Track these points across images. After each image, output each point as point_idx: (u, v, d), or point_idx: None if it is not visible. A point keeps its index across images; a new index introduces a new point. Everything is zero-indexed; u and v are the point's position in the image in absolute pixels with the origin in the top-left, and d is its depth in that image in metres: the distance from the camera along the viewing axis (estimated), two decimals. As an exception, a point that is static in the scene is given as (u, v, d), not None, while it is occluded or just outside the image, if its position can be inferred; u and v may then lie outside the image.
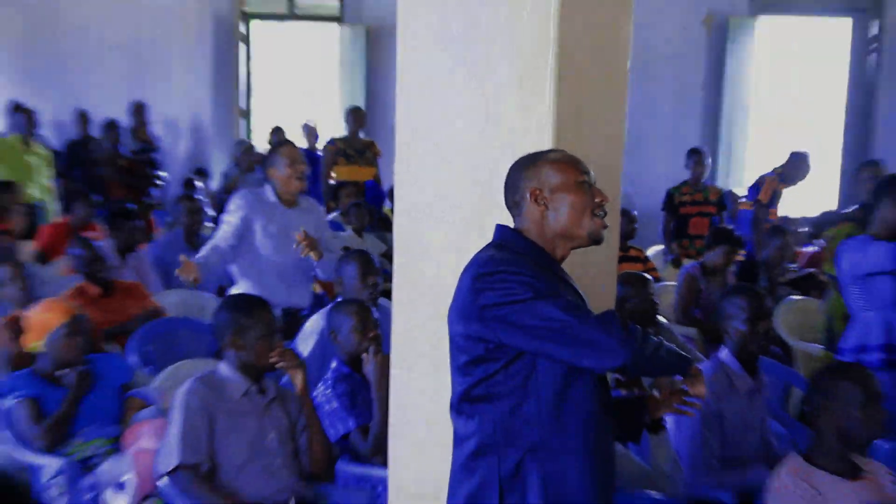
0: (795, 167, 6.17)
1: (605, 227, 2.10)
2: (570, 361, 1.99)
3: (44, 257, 5.22)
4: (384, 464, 2.74)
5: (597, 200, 2.06)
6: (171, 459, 2.77)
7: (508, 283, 1.98)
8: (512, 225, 2.10)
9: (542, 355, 2.00)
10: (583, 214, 2.07)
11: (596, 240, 2.09)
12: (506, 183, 2.15)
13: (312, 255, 3.90)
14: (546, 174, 2.09)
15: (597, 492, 2.11)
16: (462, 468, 2.13)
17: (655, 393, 2.22)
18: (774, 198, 6.28)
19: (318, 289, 4.78)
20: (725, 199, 6.75)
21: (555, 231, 2.08)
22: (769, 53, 8.24)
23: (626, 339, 1.94)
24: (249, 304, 3.04)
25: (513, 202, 2.12)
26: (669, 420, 2.84)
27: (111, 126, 8.25)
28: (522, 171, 2.11)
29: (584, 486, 2.09)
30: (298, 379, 2.96)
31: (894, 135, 7.51)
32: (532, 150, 2.16)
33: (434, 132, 2.53)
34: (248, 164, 7.54)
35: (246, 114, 9.65)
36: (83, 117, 8.63)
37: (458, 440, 2.14)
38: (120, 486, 3.25)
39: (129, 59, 9.50)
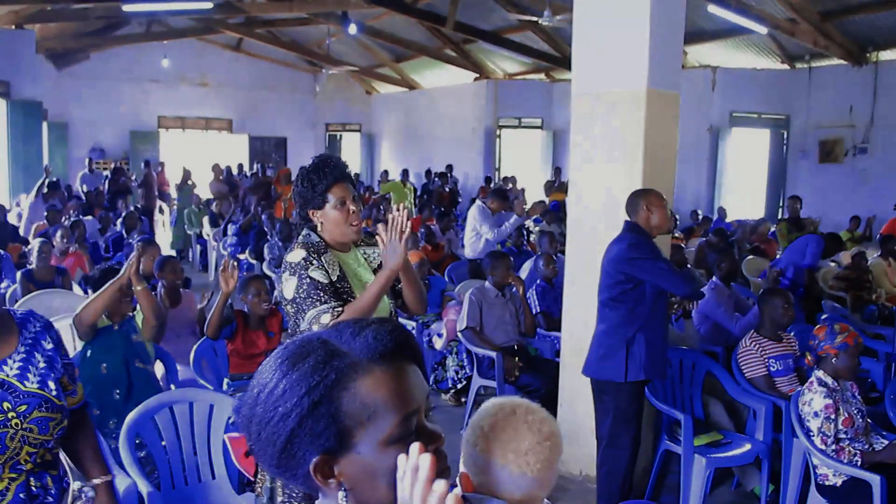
0: None
1: (673, 226, 4.17)
2: (663, 287, 3.76)
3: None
4: (559, 330, 5.29)
5: (670, 213, 4.10)
6: (463, 323, 5.48)
7: (644, 250, 3.74)
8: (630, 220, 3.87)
9: (649, 283, 3.74)
10: (664, 219, 3.88)
11: (669, 231, 4.06)
12: (628, 200, 3.87)
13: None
14: (651, 199, 3.85)
15: (665, 348, 3.94)
16: (603, 333, 3.87)
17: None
18: None
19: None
20: None
21: (652, 225, 3.84)
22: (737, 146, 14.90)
23: (689, 283, 3.84)
24: (500, 255, 5.85)
25: (632, 210, 3.84)
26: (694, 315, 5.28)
27: (439, 176, 16.89)
28: (641, 195, 3.86)
29: (663, 345, 3.89)
30: (520, 288, 5.73)
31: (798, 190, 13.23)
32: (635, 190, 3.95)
33: (585, 180, 4.61)
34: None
35: (498, 170, 18.28)
36: (427, 173, 17.74)
37: (601, 319, 3.89)
38: (439, 335, 6.18)
39: (448, 146, 18.73)
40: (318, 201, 2.68)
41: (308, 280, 2.62)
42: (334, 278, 2.66)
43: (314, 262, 2.65)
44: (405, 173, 16.55)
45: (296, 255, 2.67)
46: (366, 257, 2.83)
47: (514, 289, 5.66)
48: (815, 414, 3.64)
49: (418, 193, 16.26)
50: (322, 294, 2.61)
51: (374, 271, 2.81)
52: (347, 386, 1.07)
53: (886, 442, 3.79)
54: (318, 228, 2.74)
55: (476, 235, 7.62)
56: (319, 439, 1.06)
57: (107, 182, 14.81)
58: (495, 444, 1.59)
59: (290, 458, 1.09)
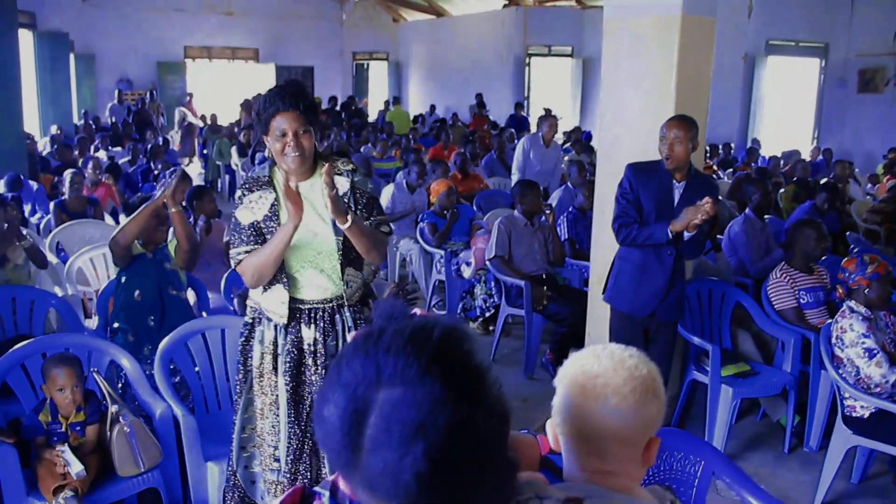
0: None
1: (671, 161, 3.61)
2: None
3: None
4: (584, 259, 5.36)
5: (665, 148, 3.59)
6: (491, 252, 5.47)
7: (624, 180, 3.75)
8: None
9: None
10: (664, 150, 3.63)
11: (676, 165, 3.63)
12: None
13: None
14: (663, 127, 3.63)
15: (639, 286, 3.78)
16: None
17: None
18: None
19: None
20: None
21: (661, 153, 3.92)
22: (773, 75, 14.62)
23: (621, 232, 3.69)
24: (530, 184, 5.78)
25: None
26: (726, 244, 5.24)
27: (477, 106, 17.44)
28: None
29: (634, 279, 3.80)
30: (550, 217, 5.70)
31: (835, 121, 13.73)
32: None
33: (616, 109, 4.46)
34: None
35: (527, 99, 18.21)
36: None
37: None
38: (467, 263, 6.20)
39: (477, 74, 18.46)
40: (264, 128, 2.62)
41: (234, 219, 2.70)
42: (260, 217, 2.65)
43: (243, 200, 2.68)
44: (395, 100, 17.76)
45: (238, 191, 2.74)
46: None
47: (544, 218, 5.63)
48: (864, 335, 3.59)
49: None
50: (238, 236, 2.67)
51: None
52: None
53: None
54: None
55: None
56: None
57: (132, 115, 14.85)
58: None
59: None
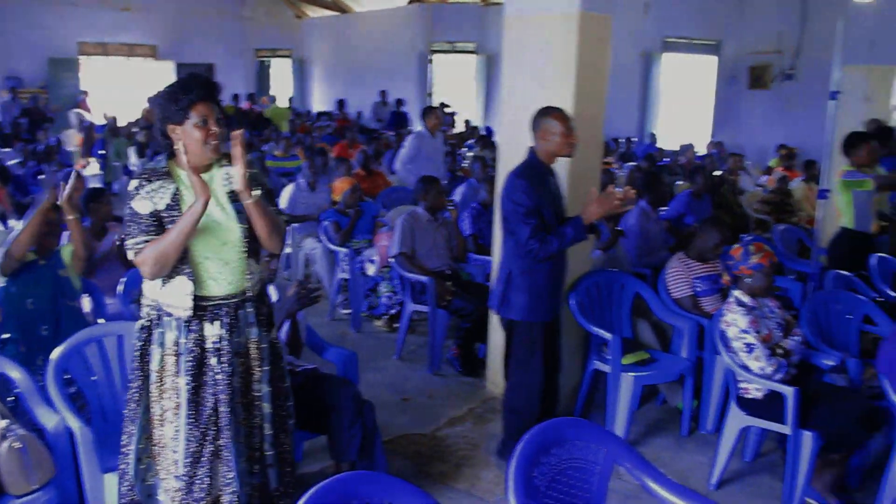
0: None
1: (573, 149, 3.67)
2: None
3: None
4: (490, 254, 5.33)
5: (569, 141, 3.63)
6: (395, 249, 5.46)
7: (520, 194, 3.53)
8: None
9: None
10: (559, 146, 3.62)
11: (569, 156, 3.72)
12: (532, 118, 3.69)
13: None
14: (548, 124, 3.60)
15: (552, 290, 3.76)
16: (500, 263, 3.98)
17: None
18: None
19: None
20: None
21: (546, 151, 3.66)
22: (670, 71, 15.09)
23: (543, 248, 3.52)
24: (432, 180, 5.82)
25: (532, 131, 3.67)
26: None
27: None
28: (539, 116, 3.64)
29: (551, 285, 3.73)
30: (453, 213, 5.74)
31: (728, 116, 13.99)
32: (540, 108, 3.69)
33: (516, 105, 4.45)
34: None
35: (430, 95, 18.19)
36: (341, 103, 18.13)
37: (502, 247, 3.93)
38: (371, 261, 6.15)
39: (382, 71, 18.38)
40: (179, 117, 2.57)
41: (129, 210, 2.61)
42: (161, 207, 2.59)
43: (141, 190, 2.60)
44: (273, 98, 18.57)
45: (132, 182, 2.64)
46: (228, 177, 2.68)
47: (447, 213, 5.66)
48: (745, 331, 3.74)
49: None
50: (135, 226, 2.58)
51: (232, 192, 2.68)
52: None
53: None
54: (176, 146, 2.61)
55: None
56: None
57: (22, 112, 14.20)
58: None
59: None
